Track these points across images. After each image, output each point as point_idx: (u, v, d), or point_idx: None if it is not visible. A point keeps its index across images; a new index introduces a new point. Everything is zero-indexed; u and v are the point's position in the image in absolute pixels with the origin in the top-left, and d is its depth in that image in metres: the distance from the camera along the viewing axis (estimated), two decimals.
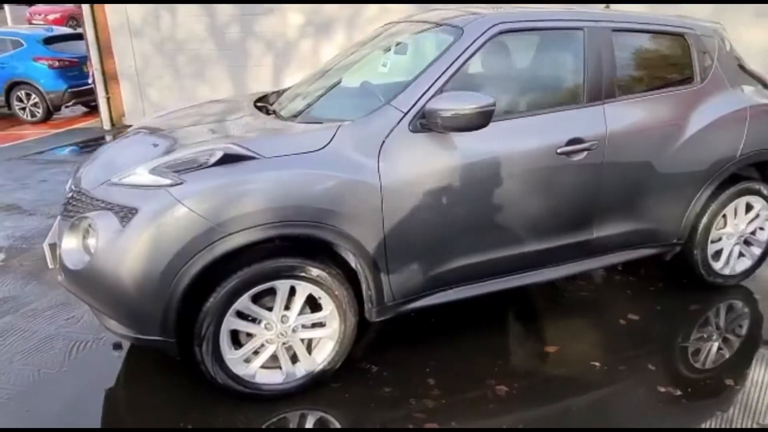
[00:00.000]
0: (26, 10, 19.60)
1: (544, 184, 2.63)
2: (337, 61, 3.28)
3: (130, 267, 2.12)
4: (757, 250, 3.35)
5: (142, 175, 2.22)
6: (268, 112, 2.86)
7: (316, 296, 2.38)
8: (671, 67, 3.03)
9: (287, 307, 2.36)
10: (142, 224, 2.12)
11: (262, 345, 2.38)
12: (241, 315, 2.30)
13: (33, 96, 9.32)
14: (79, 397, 2.48)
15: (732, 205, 3.16)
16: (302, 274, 2.30)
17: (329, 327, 2.44)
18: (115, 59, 8.45)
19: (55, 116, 9.51)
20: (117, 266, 2.13)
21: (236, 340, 2.37)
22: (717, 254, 3.26)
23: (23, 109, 9.37)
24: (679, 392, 2.48)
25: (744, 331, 3.00)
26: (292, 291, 2.33)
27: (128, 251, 2.11)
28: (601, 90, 2.75)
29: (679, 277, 3.33)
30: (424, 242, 2.47)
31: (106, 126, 8.61)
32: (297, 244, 2.33)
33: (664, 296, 3.28)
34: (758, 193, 3.20)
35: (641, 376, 2.59)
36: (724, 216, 3.18)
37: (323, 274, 2.33)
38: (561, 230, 2.77)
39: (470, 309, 3.03)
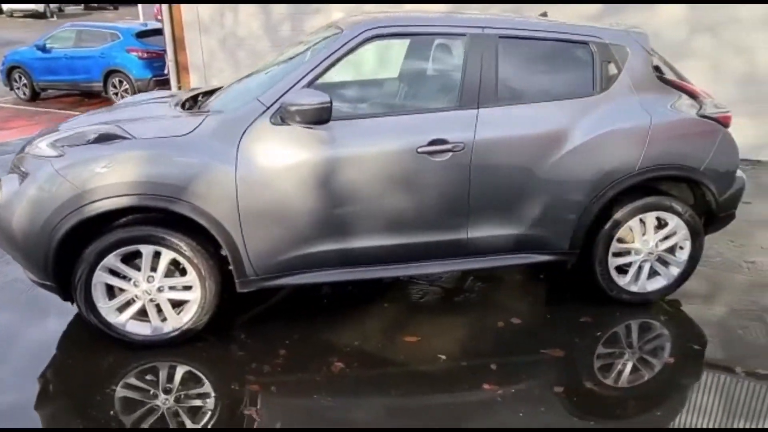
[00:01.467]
0: (154, 7, 21.88)
1: (403, 181, 2.77)
2: (271, 58, 3.60)
3: (19, 220, 2.61)
4: (674, 270, 3.21)
5: (40, 148, 2.71)
6: (192, 105, 3.23)
7: (181, 262, 2.73)
8: (567, 75, 3.01)
9: (155, 269, 2.73)
10: (29, 186, 2.59)
11: (132, 300, 2.77)
12: (113, 272, 2.71)
13: (124, 83, 10.58)
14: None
15: (636, 220, 3.06)
16: (164, 242, 2.66)
17: (194, 291, 2.78)
18: (187, 52, 9.40)
19: None
20: (10, 219, 2.63)
21: (113, 293, 2.78)
22: (623, 269, 3.17)
23: (116, 94, 10.66)
24: (500, 392, 2.53)
25: (615, 354, 2.90)
26: (159, 255, 2.71)
27: (17, 206, 2.60)
28: (478, 95, 2.83)
29: (586, 288, 3.27)
30: (281, 227, 2.73)
31: None
32: (167, 216, 2.69)
33: (561, 305, 3.27)
34: (670, 209, 3.07)
35: (475, 373, 2.66)
36: (631, 230, 3.09)
37: (182, 244, 2.67)
38: (429, 227, 2.88)
39: (362, 295, 3.24)
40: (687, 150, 3.02)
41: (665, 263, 3.20)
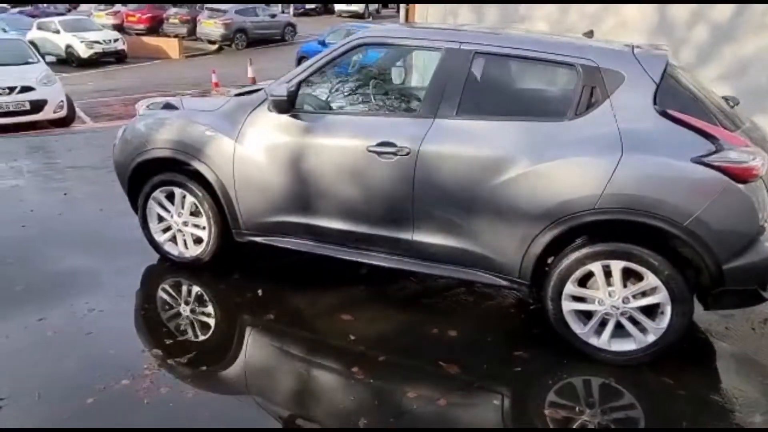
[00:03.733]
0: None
1: (354, 174, 3.07)
2: None
3: (116, 153, 3.79)
4: (649, 337, 2.75)
5: (140, 108, 3.85)
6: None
7: (196, 205, 3.56)
8: (542, 96, 2.83)
9: (183, 208, 3.64)
10: (125, 131, 3.76)
11: (169, 227, 3.73)
12: (160, 204, 3.69)
13: None
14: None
15: (597, 265, 2.73)
16: (187, 188, 3.52)
17: (204, 231, 3.59)
18: (413, 53, 10.41)
19: None
20: (115, 152, 3.82)
21: (161, 218, 3.78)
22: (584, 316, 2.86)
23: None
24: (360, 377, 2.70)
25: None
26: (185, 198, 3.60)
27: (118, 144, 3.78)
28: (438, 107, 2.93)
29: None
30: (261, 195, 3.33)
31: None
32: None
33: (517, 336, 3.08)
34: (643, 262, 2.64)
35: (361, 358, 2.84)
36: (594, 275, 2.77)
37: (197, 191, 3.50)
38: (376, 221, 3.12)
39: (355, 278, 3.64)
40: (666, 197, 2.56)
41: (639, 325, 2.76)
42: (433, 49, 3.03)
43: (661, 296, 2.67)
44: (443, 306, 3.42)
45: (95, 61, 18.40)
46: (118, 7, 24.01)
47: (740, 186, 2.52)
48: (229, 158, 3.34)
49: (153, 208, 3.72)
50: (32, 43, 13.28)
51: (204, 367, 2.79)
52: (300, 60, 14.32)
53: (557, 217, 2.73)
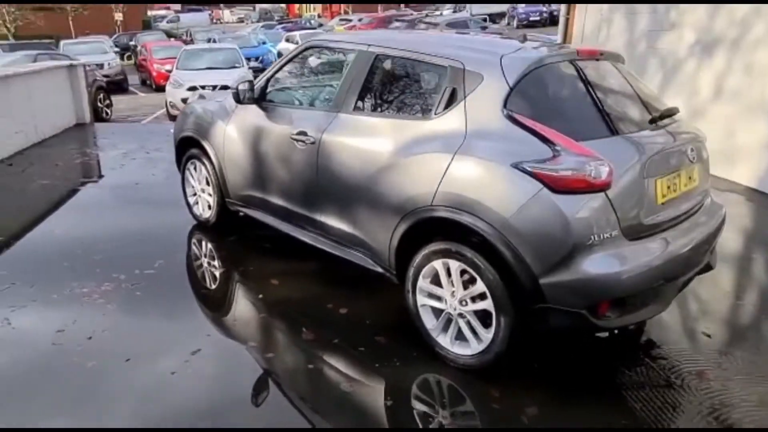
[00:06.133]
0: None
1: (283, 157, 3.54)
2: None
3: (173, 134, 4.86)
4: (480, 345, 2.67)
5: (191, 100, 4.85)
6: None
7: (207, 176, 4.39)
8: (419, 95, 2.91)
9: (199, 180, 4.51)
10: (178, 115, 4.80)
11: (195, 193, 4.64)
12: (192, 175, 4.64)
13: None
14: None
15: (440, 263, 2.75)
16: (201, 161, 4.38)
17: (212, 197, 4.41)
18: None
19: None
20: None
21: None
22: (436, 312, 2.88)
23: None
24: (262, 305, 3.18)
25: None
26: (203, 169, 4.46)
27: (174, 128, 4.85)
28: (343, 102, 3.24)
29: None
30: (236, 168, 4.01)
31: None
32: None
33: (395, 322, 3.17)
34: (474, 266, 2.59)
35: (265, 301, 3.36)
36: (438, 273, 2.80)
37: (207, 164, 4.33)
38: (298, 200, 3.54)
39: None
40: (482, 199, 2.50)
41: (474, 332, 2.70)
42: (351, 51, 3.33)
43: (488, 303, 2.60)
44: (354, 286, 3.60)
45: None
46: (354, 21, 27.25)
47: (554, 195, 2.34)
48: (221, 139, 4.09)
49: (188, 177, 4.68)
50: (279, 53, 16.15)
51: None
52: None
53: (407, 211, 2.83)
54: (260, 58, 19.46)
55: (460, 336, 2.79)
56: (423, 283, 2.87)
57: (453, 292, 2.75)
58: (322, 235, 3.47)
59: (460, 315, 2.74)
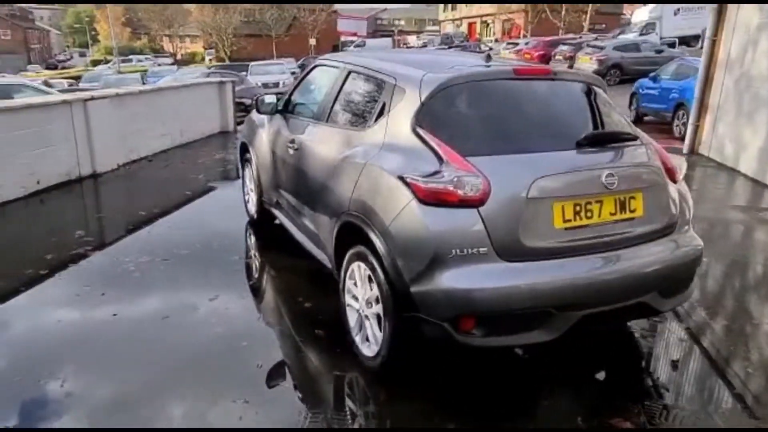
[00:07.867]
0: None
1: (287, 159, 3.95)
2: None
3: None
4: (375, 348, 2.78)
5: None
6: None
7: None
8: (366, 107, 3.11)
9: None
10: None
11: (247, 192, 5.30)
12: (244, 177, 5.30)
13: (683, 116, 10.84)
14: None
15: (356, 265, 2.90)
16: (250, 165, 5.00)
17: (253, 194, 5.01)
18: (711, 91, 8.90)
19: None
20: None
21: None
22: (353, 313, 3.03)
23: (677, 126, 11.07)
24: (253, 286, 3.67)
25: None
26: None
27: None
28: (321, 113, 3.58)
29: None
30: (264, 170, 4.53)
31: (684, 150, 9.28)
32: None
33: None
34: (373, 270, 2.70)
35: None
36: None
37: (251, 163, 4.93)
38: (292, 202, 3.92)
39: None
40: (374, 206, 2.64)
41: (375, 335, 2.81)
42: (337, 68, 3.64)
43: (380, 307, 2.70)
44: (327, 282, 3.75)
45: None
46: (521, 45, 27.00)
47: (421, 206, 2.39)
48: (260, 144, 4.67)
49: (244, 177, 5.36)
50: None
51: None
52: (631, 97, 13.59)
53: (337, 214, 3.05)
54: None
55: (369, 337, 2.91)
56: (349, 283, 3.04)
57: (364, 294, 2.89)
58: (307, 235, 3.81)
59: (366, 317, 2.87)
